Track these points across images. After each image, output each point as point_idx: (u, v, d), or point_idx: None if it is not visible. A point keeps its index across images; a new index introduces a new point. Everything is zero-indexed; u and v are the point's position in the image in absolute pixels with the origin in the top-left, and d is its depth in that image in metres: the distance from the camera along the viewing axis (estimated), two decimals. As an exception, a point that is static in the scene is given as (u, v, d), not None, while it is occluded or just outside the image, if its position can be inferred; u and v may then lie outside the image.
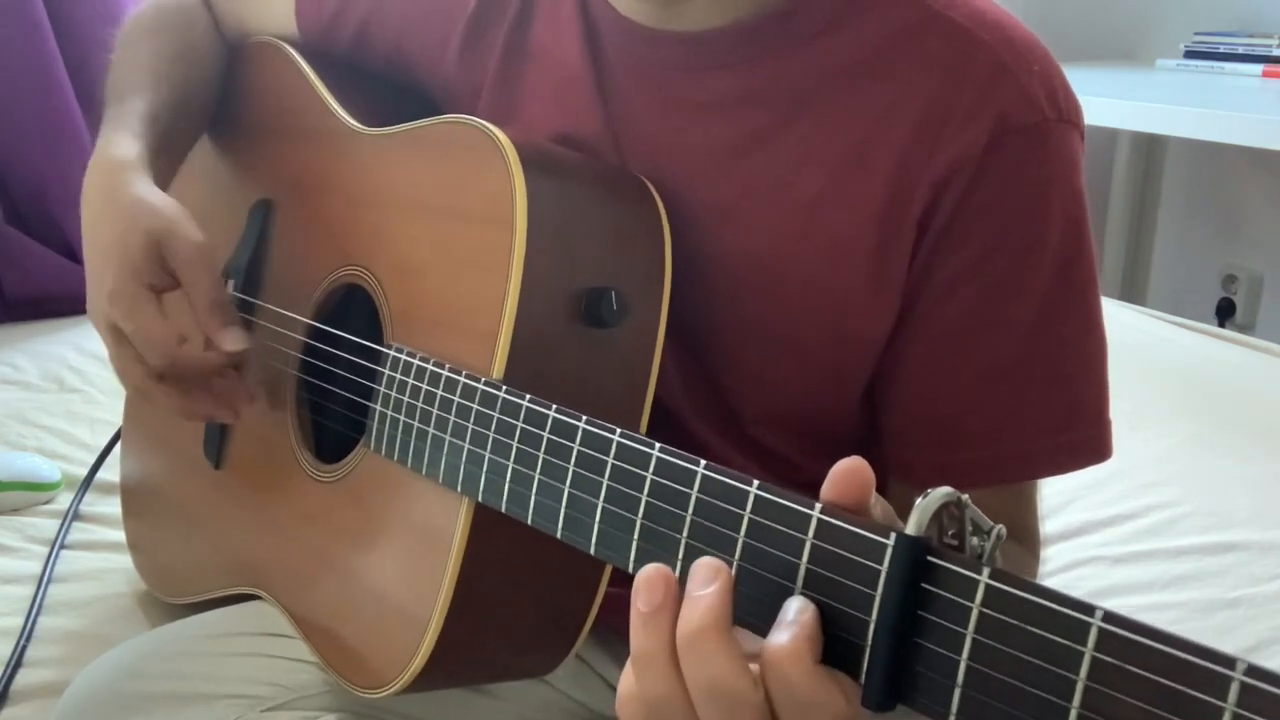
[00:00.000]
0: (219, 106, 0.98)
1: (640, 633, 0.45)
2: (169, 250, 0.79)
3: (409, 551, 0.70)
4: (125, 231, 0.79)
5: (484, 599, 0.68)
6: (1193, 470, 1.35)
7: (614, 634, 0.83)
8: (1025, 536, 0.76)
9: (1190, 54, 2.41)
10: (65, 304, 1.77)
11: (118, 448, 1.13)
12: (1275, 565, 1.16)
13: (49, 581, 1.07)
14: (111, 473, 1.19)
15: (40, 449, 1.32)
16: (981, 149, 0.67)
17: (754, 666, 0.44)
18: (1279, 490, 1.30)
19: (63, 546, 1.13)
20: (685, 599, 0.44)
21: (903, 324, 0.72)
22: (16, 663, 0.96)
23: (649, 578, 0.45)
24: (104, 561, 1.10)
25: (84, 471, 1.25)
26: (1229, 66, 2.33)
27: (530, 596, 0.70)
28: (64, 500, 1.22)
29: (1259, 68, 2.28)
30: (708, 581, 0.44)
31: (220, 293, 0.80)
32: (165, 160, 0.88)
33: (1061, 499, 1.28)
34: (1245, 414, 1.49)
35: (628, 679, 0.47)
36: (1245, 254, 2.49)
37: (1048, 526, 1.21)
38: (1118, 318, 1.45)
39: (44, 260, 1.80)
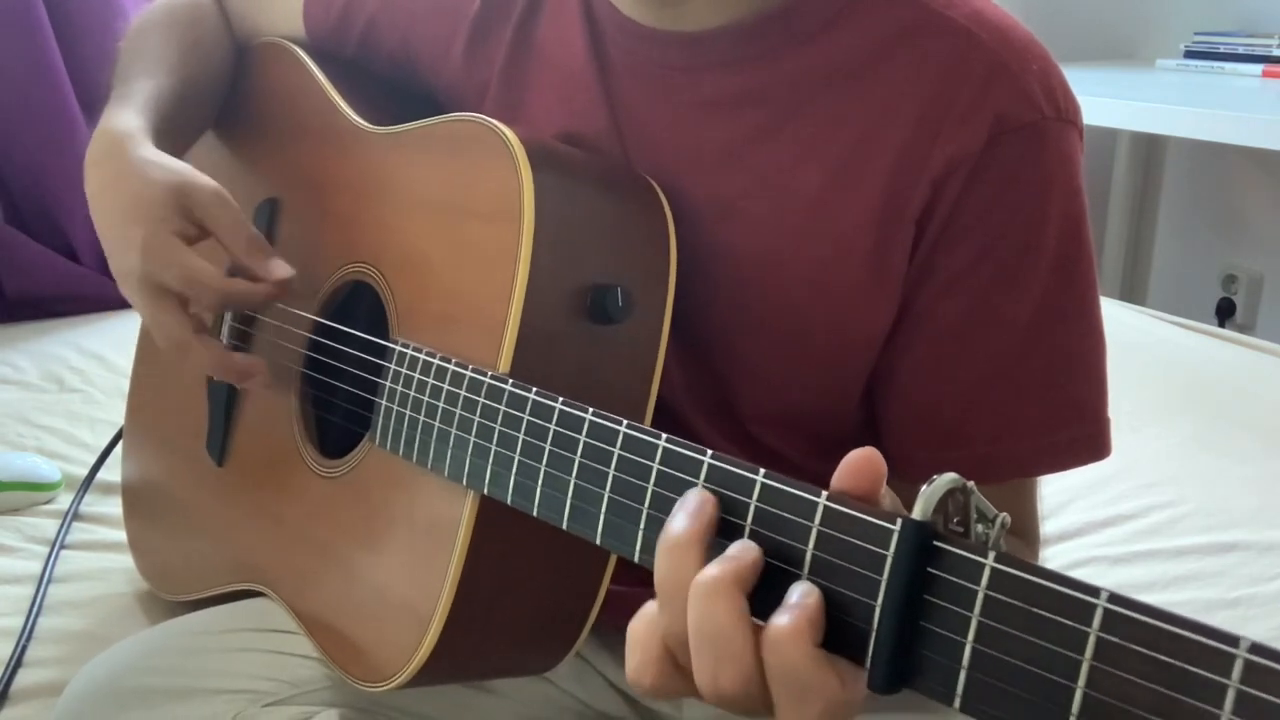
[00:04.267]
0: (226, 105, 0.98)
1: (675, 560, 0.46)
2: (191, 200, 0.78)
3: (413, 546, 0.70)
4: (141, 189, 0.78)
5: (487, 594, 0.68)
6: (1193, 470, 1.35)
7: (616, 632, 0.83)
8: (1025, 534, 0.77)
9: (1190, 54, 2.41)
10: (65, 304, 1.77)
11: (118, 448, 1.13)
12: (1275, 565, 1.17)
13: (49, 581, 1.07)
14: (112, 473, 1.19)
15: (40, 449, 1.32)
16: (979, 148, 0.67)
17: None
18: (1279, 490, 1.30)
19: (63, 546, 1.13)
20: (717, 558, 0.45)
21: (902, 321, 0.72)
22: (16, 663, 0.96)
23: (700, 501, 0.47)
24: (104, 561, 1.10)
25: (84, 471, 1.25)
26: (1229, 66, 2.33)
27: (533, 593, 0.70)
28: (64, 500, 1.22)
29: (1259, 68, 2.28)
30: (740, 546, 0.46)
31: (251, 228, 0.79)
32: (166, 144, 0.86)
33: (1061, 499, 1.28)
34: (1245, 414, 1.49)
35: (639, 628, 0.48)
36: (1245, 254, 2.49)
37: (1048, 526, 1.21)
38: (1118, 318, 1.45)
39: (44, 260, 1.79)
